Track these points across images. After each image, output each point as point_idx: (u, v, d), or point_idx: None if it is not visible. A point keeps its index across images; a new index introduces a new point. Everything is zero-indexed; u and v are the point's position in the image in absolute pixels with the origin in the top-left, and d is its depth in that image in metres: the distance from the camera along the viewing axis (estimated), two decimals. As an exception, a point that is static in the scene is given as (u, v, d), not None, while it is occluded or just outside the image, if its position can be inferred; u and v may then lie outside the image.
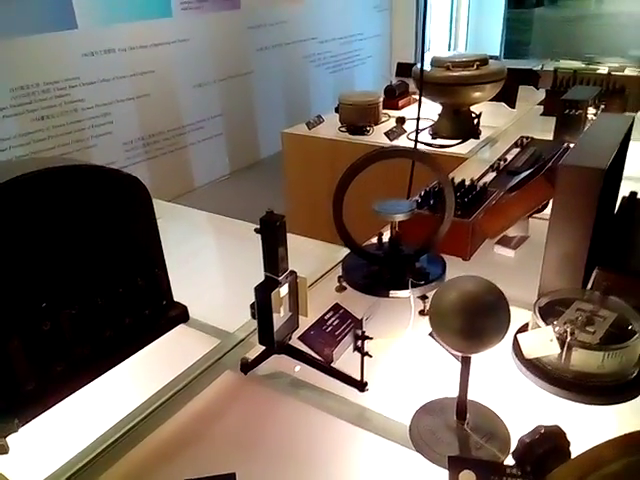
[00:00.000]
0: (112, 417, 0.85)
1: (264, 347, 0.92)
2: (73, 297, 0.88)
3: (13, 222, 0.79)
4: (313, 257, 1.30)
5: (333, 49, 5.21)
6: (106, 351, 0.94)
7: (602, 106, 2.04)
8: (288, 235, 0.85)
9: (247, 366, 0.93)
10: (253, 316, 0.88)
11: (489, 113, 2.38)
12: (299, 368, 0.93)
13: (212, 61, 4.15)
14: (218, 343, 1.02)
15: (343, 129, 2.44)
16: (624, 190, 1.26)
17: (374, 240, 1.20)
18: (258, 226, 0.83)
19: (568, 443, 0.57)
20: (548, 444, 0.54)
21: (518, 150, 1.75)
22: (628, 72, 3.31)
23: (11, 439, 0.78)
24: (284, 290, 0.87)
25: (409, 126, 2.36)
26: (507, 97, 2.45)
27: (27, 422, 0.82)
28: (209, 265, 1.36)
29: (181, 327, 1.07)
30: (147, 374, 0.96)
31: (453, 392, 0.80)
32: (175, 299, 1.07)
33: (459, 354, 0.73)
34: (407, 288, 1.04)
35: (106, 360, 0.94)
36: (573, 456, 0.58)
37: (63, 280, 0.87)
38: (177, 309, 1.07)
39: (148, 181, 0.96)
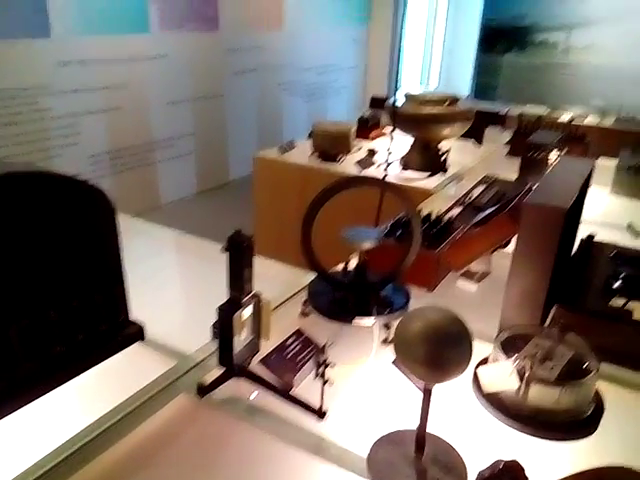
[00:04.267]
0: (58, 437, 0.81)
1: (222, 371, 0.90)
2: (24, 309, 0.84)
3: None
4: (279, 281, 1.29)
5: (308, 78, 5.29)
6: (56, 367, 0.90)
7: (564, 150, 2.12)
8: (254, 257, 0.84)
9: (204, 389, 0.90)
10: (214, 336, 0.86)
11: (457, 150, 2.45)
12: (256, 394, 0.90)
13: (187, 80, 4.15)
14: (174, 364, 0.99)
15: (315, 156, 2.46)
16: (582, 233, 1.30)
17: (341, 267, 1.20)
18: (224, 245, 0.82)
19: (526, 478, 0.57)
20: (507, 478, 0.53)
21: (483, 187, 1.80)
22: (590, 119, 3.47)
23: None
24: (247, 312, 0.86)
25: (380, 157, 2.40)
26: (475, 135, 2.53)
27: (-36, 440, 0.77)
28: (171, 284, 1.33)
29: (137, 346, 1.03)
30: (98, 393, 0.92)
31: (413, 424, 0.79)
32: (132, 317, 1.04)
33: (422, 383, 0.73)
34: (371, 316, 1.03)
35: (55, 377, 0.90)
36: (530, 492, 0.57)
37: (14, 291, 0.83)
38: (133, 327, 1.03)
39: (113, 195, 0.93)
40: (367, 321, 1.03)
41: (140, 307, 1.04)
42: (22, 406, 0.85)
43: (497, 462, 0.57)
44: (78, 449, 0.80)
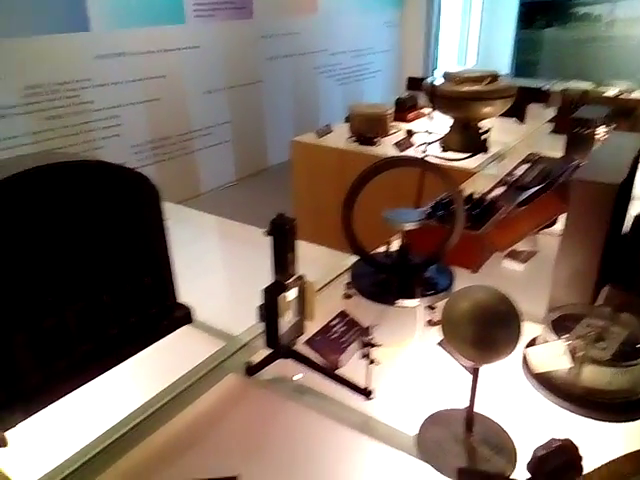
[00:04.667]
0: (113, 416, 0.84)
1: (269, 351, 0.91)
2: (79, 293, 0.87)
3: (20, 216, 0.78)
4: (320, 264, 1.29)
5: (343, 61, 5.24)
6: (110, 349, 0.93)
7: (613, 125, 2.04)
8: (297, 242, 0.84)
9: (251, 369, 0.92)
10: (260, 318, 0.87)
11: (498, 129, 2.39)
12: (301, 375, 0.91)
13: (223, 68, 4.18)
14: (222, 346, 1.01)
15: (352, 139, 2.45)
16: (634, 210, 1.25)
17: (382, 249, 1.19)
18: (267, 229, 0.82)
19: (580, 458, 0.56)
20: (562, 458, 0.53)
21: (527, 166, 1.75)
22: (638, 94, 3.32)
23: (11, 434, 0.76)
24: (292, 294, 0.87)
25: (418, 139, 2.37)
26: (517, 113, 2.46)
27: (28, 417, 0.81)
28: (216, 268, 1.36)
29: (186, 329, 1.06)
30: (150, 374, 0.95)
31: (460, 403, 0.79)
32: (181, 301, 1.06)
33: (469, 364, 0.73)
34: (415, 297, 1.03)
35: (109, 358, 0.93)
36: (585, 471, 0.57)
37: (69, 276, 0.86)
38: (182, 310, 1.06)
39: (156, 184, 0.95)
40: (411, 302, 1.03)
41: (187, 291, 1.07)
42: (79, 386, 0.88)
43: (551, 441, 0.56)
44: (131, 428, 0.83)
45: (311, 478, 0.75)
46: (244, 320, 1.02)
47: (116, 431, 0.82)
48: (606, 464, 0.43)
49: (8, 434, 0.76)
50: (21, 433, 0.78)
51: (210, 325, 1.07)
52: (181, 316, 1.06)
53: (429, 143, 2.23)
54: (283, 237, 0.83)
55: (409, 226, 1.02)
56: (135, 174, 0.95)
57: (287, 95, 4.78)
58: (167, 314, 1.03)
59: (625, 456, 0.43)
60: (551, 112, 2.65)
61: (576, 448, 0.55)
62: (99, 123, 3.48)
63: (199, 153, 4.20)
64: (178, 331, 1.04)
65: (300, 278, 0.87)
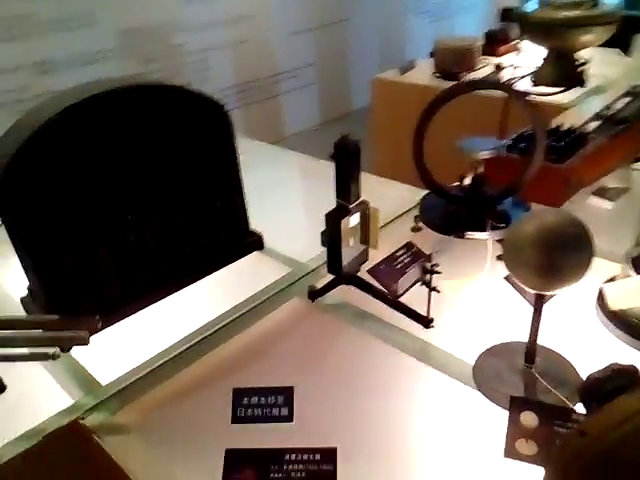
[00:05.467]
0: (188, 328, 0.91)
1: (332, 277, 0.93)
2: (156, 213, 0.93)
3: (100, 136, 0.83)
4: (391, 197, 1.28)
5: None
6: (184, 268, 0.99)
7: None
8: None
9: (314, 293, 0.94)
10: (323, 243, 0.88)
11: (598, 61, 2.17)
12: (363, 300, 0.92)
13: (308, 7, 4.09)
14: (289, 271, 1.04)
15: (436, 75, 2.34)
16: None
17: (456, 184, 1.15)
18: (331, 152, 0.82)
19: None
20: (620, 381, 0.50)
21: (628, 100, 1.59)
22: None
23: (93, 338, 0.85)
24: (354, 219, 0.87)
25: (508, 73, 2.21)
26: (621, 44, 2.21)
27: (109, 325, 0.89)
28: (287, 198, 1.38)
29: (256, 255, 1.10)
30: (221, 294, 1.01)
31: (524, 338, 0.76)
32: (252, 228, 1.10)
33: (533, 294, 0.70)
34: (485, 230, 0.99)
35: (184, 276, 0.99)
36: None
37: (147, 196, 0.91)
38: (253, 237, 1.10)
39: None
40: (481, 235, 0.99)
41: (258, 219, 1.10)
42: (156, 301, 0.95)
43: (611, 365, 0.53)
44: (204, 338, 0.89)
45: (364, 397, 0.76)
46: (312, 248, 1.03)
47: (188, 341, 0.88)
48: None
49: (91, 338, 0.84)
50: (102, 336, 0.86)
51: (279, 252, 1.10)
52: (252, 242, 1.10)
53: (520, 78, 2.08)
54: (346, 159, 0.82)
55: (484, 154, 0.97)
56: (207, 98, 0.97)
57: (373, 35, 4.61)
58: (239, 239, 1.07)
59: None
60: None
61: (636, 371, 0.51)
62: (190, 66, 3.57)
63: (284, 96, 4.20)
64: (249, 256, 1.08)
65: (363, 203, 0.87)
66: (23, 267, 0.84)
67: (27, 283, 0.89)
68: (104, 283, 0.89)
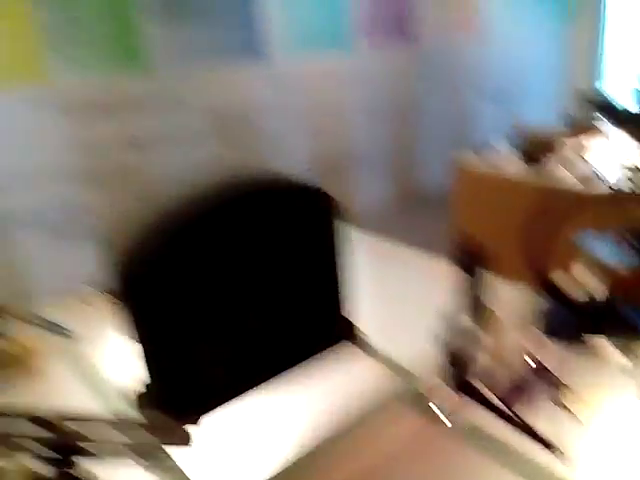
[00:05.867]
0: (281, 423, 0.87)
1: (451, 388, 0.86)
2: (260, 303, 0.93)
3: (230, 236, 0.85)
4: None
5: (501, 81, 5.01)
6: (280, 357, 0.97)
7: None
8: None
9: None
10: (445, 359, 0.82)
11: None
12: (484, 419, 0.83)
13: (380, 92, 4.21)
14: (397, 378, 0.97)
15: (517, 162, 2.30)
16: None
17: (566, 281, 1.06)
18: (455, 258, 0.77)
19: None
20: None
21: None
22: None
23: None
24: (479, 335, 0.81)
25: (594, 161, 2.14)
26: None
27: (212, 410, 0.86)
28: (374, 287, 1.34)
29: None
30: (313, 385, 0.96)
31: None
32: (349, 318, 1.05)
33: None
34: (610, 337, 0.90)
35: (280, 364, 0.96)
36: None
37: (252, 290, 0.91)
38: (345, 323, 1.06)
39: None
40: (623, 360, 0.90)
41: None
42: (252, 387, 0.92)
43: None
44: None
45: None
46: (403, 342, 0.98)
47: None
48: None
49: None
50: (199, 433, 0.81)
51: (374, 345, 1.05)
52: (343, 328, 1.05)
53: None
54: (475, 270, 0.77)
55: (620, 269, 0.87)
56: (321, 193, 1.00)
57: (444, 118, 4.68)
58: (330, 326, 1.04)
59: None
60: None
61: None
62: (267, 150, 3.68)
63: (354, 180, 4.24)
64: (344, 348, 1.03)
65: (494, 319, 0.80)
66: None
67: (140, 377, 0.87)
68: (207, 374, 0.87)
